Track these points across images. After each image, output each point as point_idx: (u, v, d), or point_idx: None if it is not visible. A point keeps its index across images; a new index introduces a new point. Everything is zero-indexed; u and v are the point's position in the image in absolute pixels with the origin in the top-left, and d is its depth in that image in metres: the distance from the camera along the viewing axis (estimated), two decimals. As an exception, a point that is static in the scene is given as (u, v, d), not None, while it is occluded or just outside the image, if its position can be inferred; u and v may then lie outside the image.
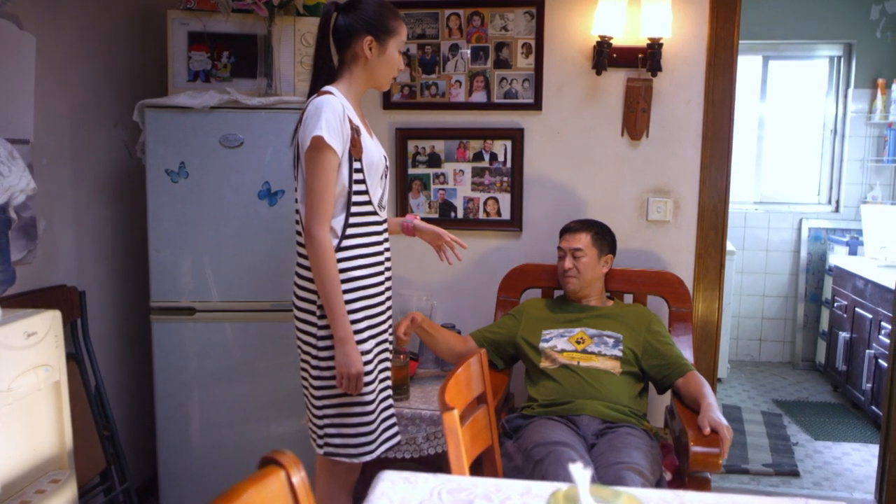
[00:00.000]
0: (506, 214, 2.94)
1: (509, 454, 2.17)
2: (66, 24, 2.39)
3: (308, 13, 2.61)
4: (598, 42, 2.70)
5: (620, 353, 2.34)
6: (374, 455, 2.00)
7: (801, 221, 4.82)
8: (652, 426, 2.32)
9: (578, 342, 2.38)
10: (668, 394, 2.43)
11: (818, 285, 4.79)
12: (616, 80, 2.80)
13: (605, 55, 2.71)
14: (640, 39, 2.71)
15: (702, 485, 2.08)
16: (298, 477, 1.00)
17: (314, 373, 1.96)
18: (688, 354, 2.53)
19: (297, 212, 1.96)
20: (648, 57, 2.70)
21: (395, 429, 2.11)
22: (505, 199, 2.93)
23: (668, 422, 2.55)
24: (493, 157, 2.91)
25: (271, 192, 2.46)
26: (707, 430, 2.02)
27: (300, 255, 1.99)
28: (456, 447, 1.36)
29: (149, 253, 2.47)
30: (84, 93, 2.49)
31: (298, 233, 1.98)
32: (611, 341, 2.37)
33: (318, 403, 1.98)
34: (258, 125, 2.44)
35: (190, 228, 2.46)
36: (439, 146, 2.94)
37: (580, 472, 0.97)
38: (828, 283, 4.60)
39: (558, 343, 2.39)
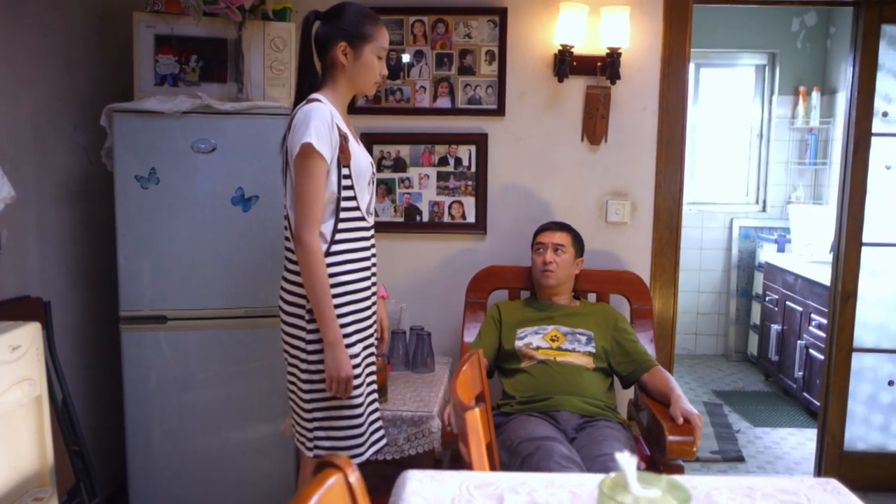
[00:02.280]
0: (470, 218, 3.00)
1: (461, 450, 2.23)
2: (26, 24, 2.30)
3: (276, 18, 2.60)
4: (559, 50, 2.80)
5: (593, 350, 2.44)
6: (364, 457, 2.02)
7: (731, 221, 5.09)
8: (624, 419, 2.43)
9: (553, 339, 2.46)
10: (631, 387, 2.55)
11: (748, 281, 5.08)
12: (576, 87, 2.91)
13: (567, 63, 2.81)
14: (599, 48, 2.82)
15: (676, 472, 2.19)
16: (354, 476, 1.03)
17: (303, 376, 1.97)
18: (649, 349, 2.66)
19: (287, 217, 1.97)
20: (608, 65, 2.82)
21: (382, 432, 2.14)
22: (469, 203, 2.99)
23: (632, 414, 2.68)
24: (458, 161, 2.97)
25: (245, 197, 2.44)
26: (681, 420, 2.14)
27: (289, 259, 1.99)
28: (477, 444, 1.40)
29: (117, 261, 2.41)
30: (45, 96, 2.41)
31: (287, 238, 1.99)
32: (583, 338, 2.47)
33: (308, 407, 1.99)
34: (231, 130, 2.42)
35: (161, 235, 2.41)
36: (404, 151, 2.98)
37: (627, 459, 1.04)
38: (758, 278, 4.88)
39: (533, 340, 2.47)
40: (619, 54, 2.79)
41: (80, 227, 2.60)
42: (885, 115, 2.99)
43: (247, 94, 2.51)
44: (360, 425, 2.01)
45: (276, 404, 2.56)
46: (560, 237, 2.59)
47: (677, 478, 1.09)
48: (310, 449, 2.02)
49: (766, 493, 1.33)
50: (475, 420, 1.40)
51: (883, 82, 2.97)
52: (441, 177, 2.98)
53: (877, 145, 2.99)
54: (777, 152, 5.02)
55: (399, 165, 2.98)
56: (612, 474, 1.06)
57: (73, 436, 2.38)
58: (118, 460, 2.78)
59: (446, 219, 3.01)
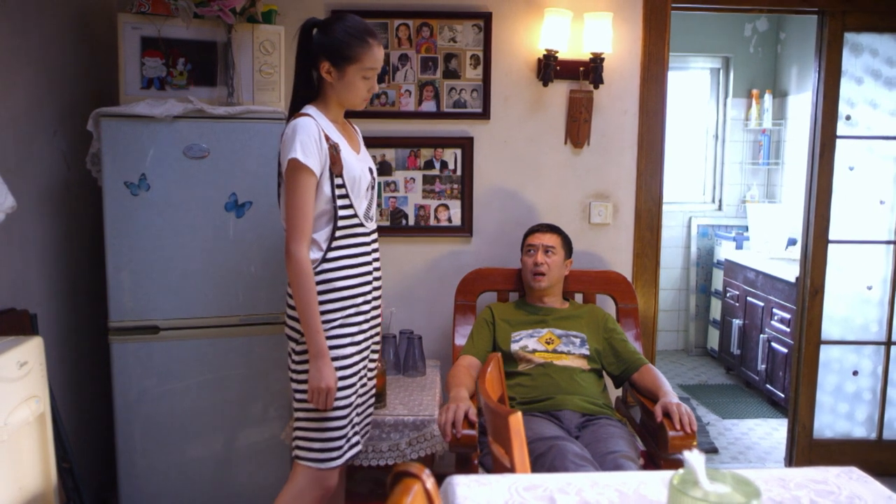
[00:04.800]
0: (456, 221, 3.02)
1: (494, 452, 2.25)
2: (5, 26, 2.20)
3: (262, 21, 2.56)
4: (544, 55, 2.84)
5: (588, 352, 2.49)
6: (338, 462, 2.01)
7: (690, 219, 5.24)
8: (621, 417, 2.49)
9: (548, 342, 2.50)
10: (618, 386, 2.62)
11: (707, 277, 5.24)
12: (559, 91, 2.95)
13: (552, 68, 2.86)
14: (582, 54, 2.88)
15: (677, 466, 2.25)
16: (430, 482, 1.04)
17: (293, 377, 2.02)
18: (636, 347, 2.72)
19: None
20: (591, 70, 2.87)
21: (358, 437, 2.13)
22: (455, 206, 3.01)
23: (620, 411, 2.74)
24: (444, 164, 2.98)
25: (238, 203, 2.40)
26: (660, 415, 2.19)
27: None
28: (520, 447, 1.42)
29: (106, 270, 2.33)
30: (24, 100, 2.31)
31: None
32: (577, 341, 2.51)
33: (296, 405, 2.02)
34: (224, 135, 2.37)
35: (152, 243, 2.34)
36: (390, 154, 2.97)
37: (696, 456, 1.07)
38: (716, 275, 5.05)
39: (529, 343, 2.50)
40: (603, 59, 2.86)
41: (62, 235, 2.51)
42: (847, 118, 3.14)
43: (238, 99, 2.46)
44: (340, 429, 2.01)
45: (272, 413, 2.52)
46: (550, 239, 2.63)
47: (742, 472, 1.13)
48: (292, 449, 2.05)
49: (799, 483, 1.40)
50: (518, 423, 1.42)
51: (845, 87, 3.12)
52: (427, 180, 2.99)
53: (840, 147, 3.13)
54: (732, 153, 5.20)
55: (385, 169, 2.97)
56: (681, 471, 1.09)
57: (63, 452, 2.29)
58: (105, 476, 2.70)
59: (432, 222, 3.01)
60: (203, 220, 2.38)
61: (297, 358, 1.99)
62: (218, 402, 2.46)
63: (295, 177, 1.88)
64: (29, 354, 1.69)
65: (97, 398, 2.65)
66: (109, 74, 2.70)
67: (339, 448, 2.01)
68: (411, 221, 3.01)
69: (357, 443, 2.11)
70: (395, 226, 3.00)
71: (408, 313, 3.03)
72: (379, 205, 2.99)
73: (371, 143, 2.92)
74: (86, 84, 2.64)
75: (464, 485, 1.35)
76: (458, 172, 2.99)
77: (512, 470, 1.44)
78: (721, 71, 5.21)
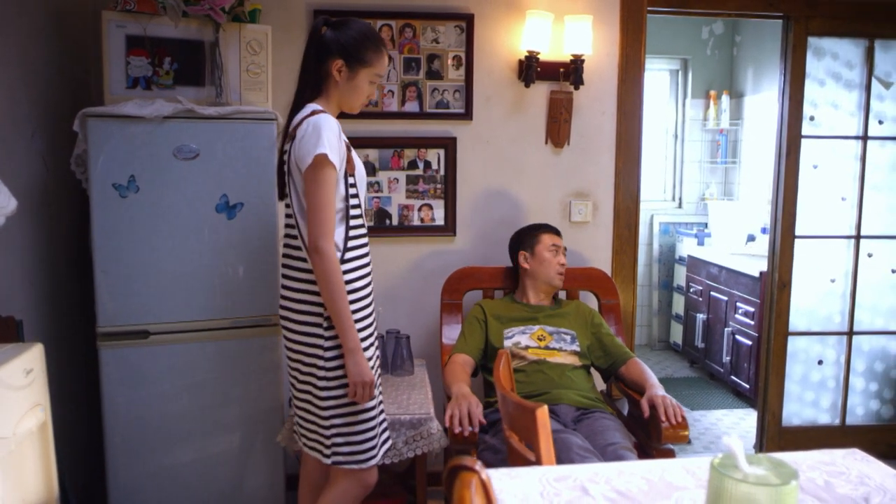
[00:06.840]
0: (440, 220, 3.04)
1: (494, 447, 2.28)
2: (-16, 24, 2.13)
3: (249, 19, 2.54)
4: (526, 56, 2.89)
5: (578, 349, 2.55)
6: (377, 459, 2.04)
7: (651, 217, 5.38)
8: (613, 410, 2.55)
9: (540, 339, 2.55)
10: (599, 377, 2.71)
11: (669, 273, 5.39)
12: (540, 92, 3.01)
13: (533, 69, 2.90)
14: (563, 55, 2.93)
15: (668, 456, 2.33)
16: (485, 474, 1.07)
17: (321, 384, 1.96)
18: (621, 342, 2.79)
19: (296, 226, 1.96)
20: (571, 72, 2.93)
21: (388, 433, 2.15)
22: (439, 206, 3.03)
23: (608, 404, 2.80)
24: (427, 165, 3.00)
25: (229, 205, 2.37)
26: (647, 409, 2.27)
27: (295, 268, 1.99)
28: (546, 440, 1.46)
29: (94, 274, 2.27)
30: (1, 101, 2.23)
31: (297, 247, 1.98)
32: (568, 338, 2.57)
33: (325, 414, 1.99)
34: (215, 136, 2.33)
35: (142, 246, 2.29)
36: (373, 155, 2.97)
37: (735, 441, 1.12)
38: (678, 271, 5.19)
39: (521, 340, 2.54)
40: (583, 61, 2.92)
41: (44, 238, 2.43)
42: (811, 119, 3.28)
43: (226, 99, 2.43)
44: (374, 428, 2.03)
45: (264, 416, 2.49)
46: (561, 240, 2.70)
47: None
48: (328, 456, 2.01)
49: (810, 465, 1.47)
50: (545, 417, 1.45)
51: (809, 89, 3.25)
52: (410, 180, 3.00)
53: (804, 147, 3.27)
54: (691, 152, 5.37)
55: (368, 169, 2.97)
56: (720, 455, 1.14)
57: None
58: (90, 484, 2.63)
59: (416, 222, 3.03)
60: (194, 222, 2.34)
61: (329, 364, 1.94)
62: (209, 405, 2.43)
63: (322, 172, 1.86)
64: (33, 361, 1.64)
65: (82, 405, 2.58)
66: (88, 74, 2.64)
67: (375, 446, 2.03)
68: (395, 221, 3.02)
69: (388, 438, 2.13)
70: (378, 226, 3.00)
71: (392, 313, 3.04)
72: (363, 205, 2.99)
73: (354, 143, 2.92)
74: (64, 84, 2.57)
75: (496, 478, 1.37)
76: (442, 172, 3.01)
77: (537, 462, 1.47)
78: (680, 72, 5.36)
